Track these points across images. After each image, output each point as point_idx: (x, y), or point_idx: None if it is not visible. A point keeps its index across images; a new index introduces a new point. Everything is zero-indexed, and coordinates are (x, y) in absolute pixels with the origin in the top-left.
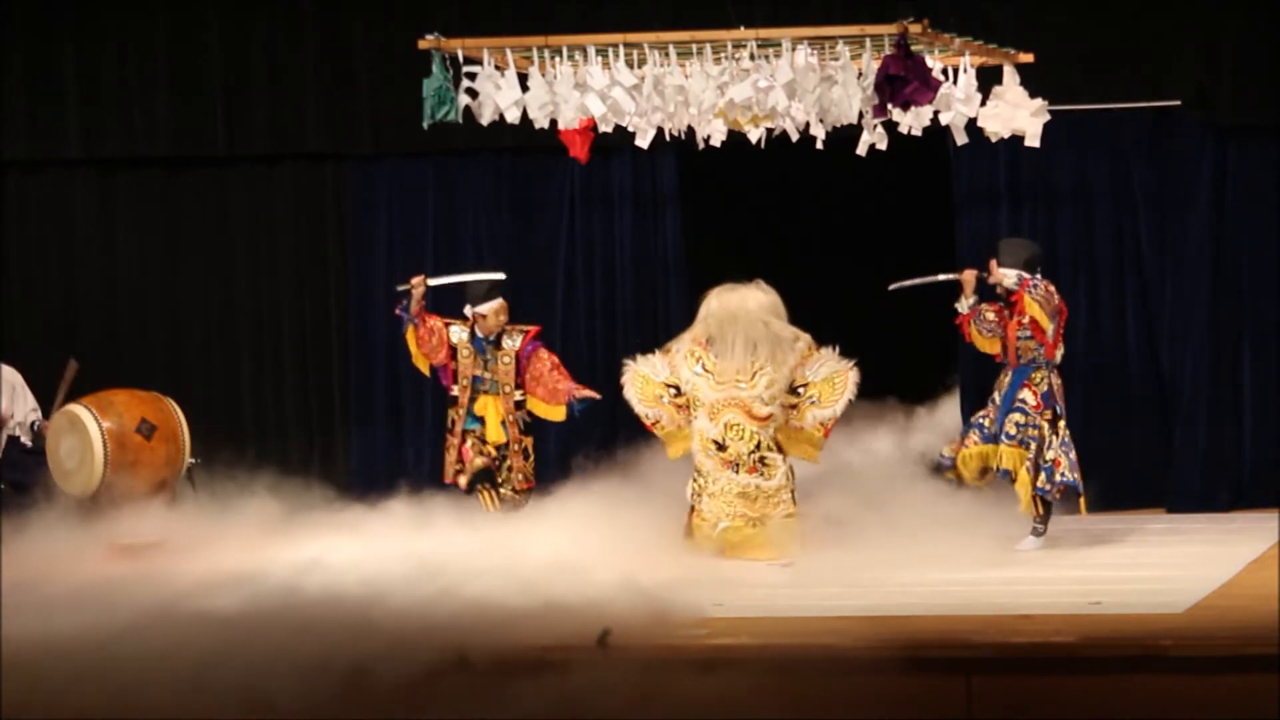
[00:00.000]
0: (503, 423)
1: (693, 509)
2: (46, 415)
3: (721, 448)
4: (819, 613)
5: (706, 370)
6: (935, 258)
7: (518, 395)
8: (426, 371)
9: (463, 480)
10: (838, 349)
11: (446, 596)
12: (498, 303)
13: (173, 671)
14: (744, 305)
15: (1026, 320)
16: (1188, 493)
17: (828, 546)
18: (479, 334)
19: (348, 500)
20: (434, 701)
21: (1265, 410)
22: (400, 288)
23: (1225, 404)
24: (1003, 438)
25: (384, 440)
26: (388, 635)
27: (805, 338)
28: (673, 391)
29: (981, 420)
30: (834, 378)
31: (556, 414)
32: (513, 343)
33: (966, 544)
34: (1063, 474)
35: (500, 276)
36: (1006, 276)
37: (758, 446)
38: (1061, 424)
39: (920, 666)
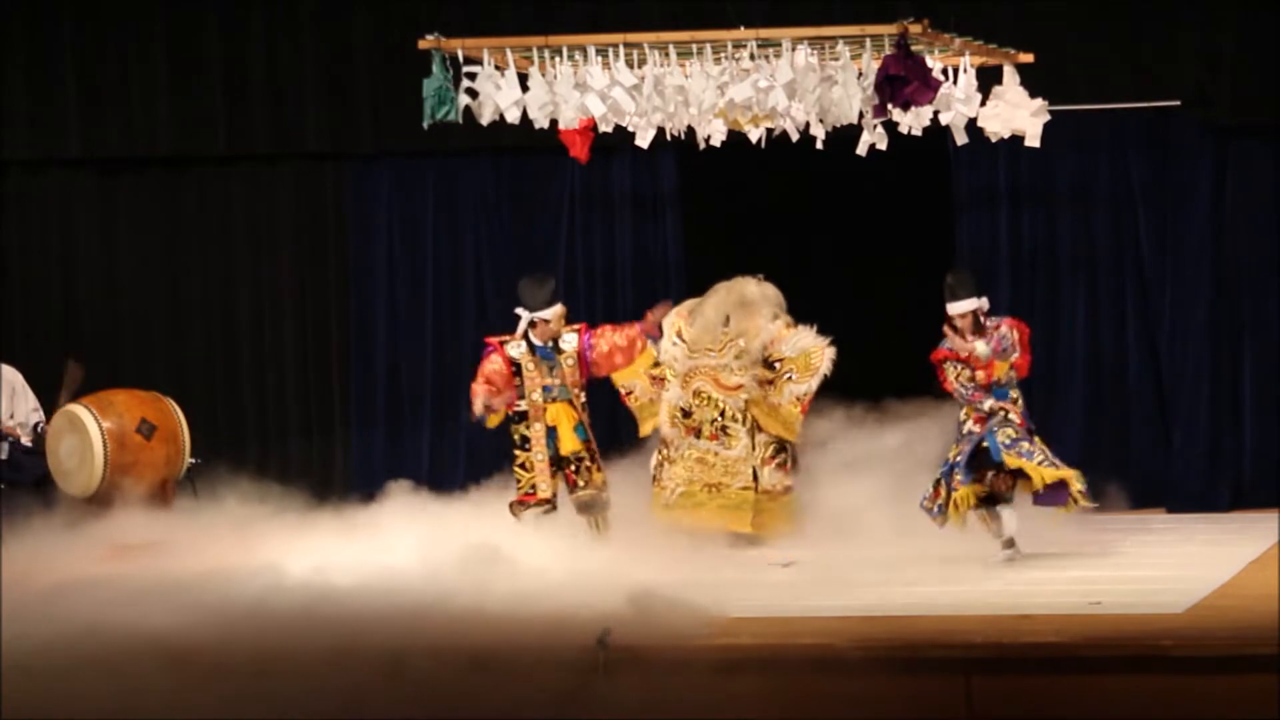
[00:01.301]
0: (577, 427)
1: (655, 480)
2: (49, 415)
3: (687, 414)
4: (819, 613)
5: (682, 340)
6: (935, 258)
7: (582, 397)
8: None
9: (519, 510)
10: (835, 347)
11: (445, 599)
12: (560, 307)
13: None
14: (730, 285)
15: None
16: (1188, 493)
17: (828, 546)
18: (536, 341)
19: (347, 501)
20: (436, 703)
21: (1265, 410)
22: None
23: (1225, 404)
24: (1001, 450)
25: (384, 440)
26: (391, 638)
27: (784, 317)
28: (651, 364)
29: (958, 460)
30: (810, 353)
31: (646, 360)
32: (570, 345)
33: (965, 544)
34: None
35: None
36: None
37: (721, 415)
38: (1037, 439)
39: (920, 666)
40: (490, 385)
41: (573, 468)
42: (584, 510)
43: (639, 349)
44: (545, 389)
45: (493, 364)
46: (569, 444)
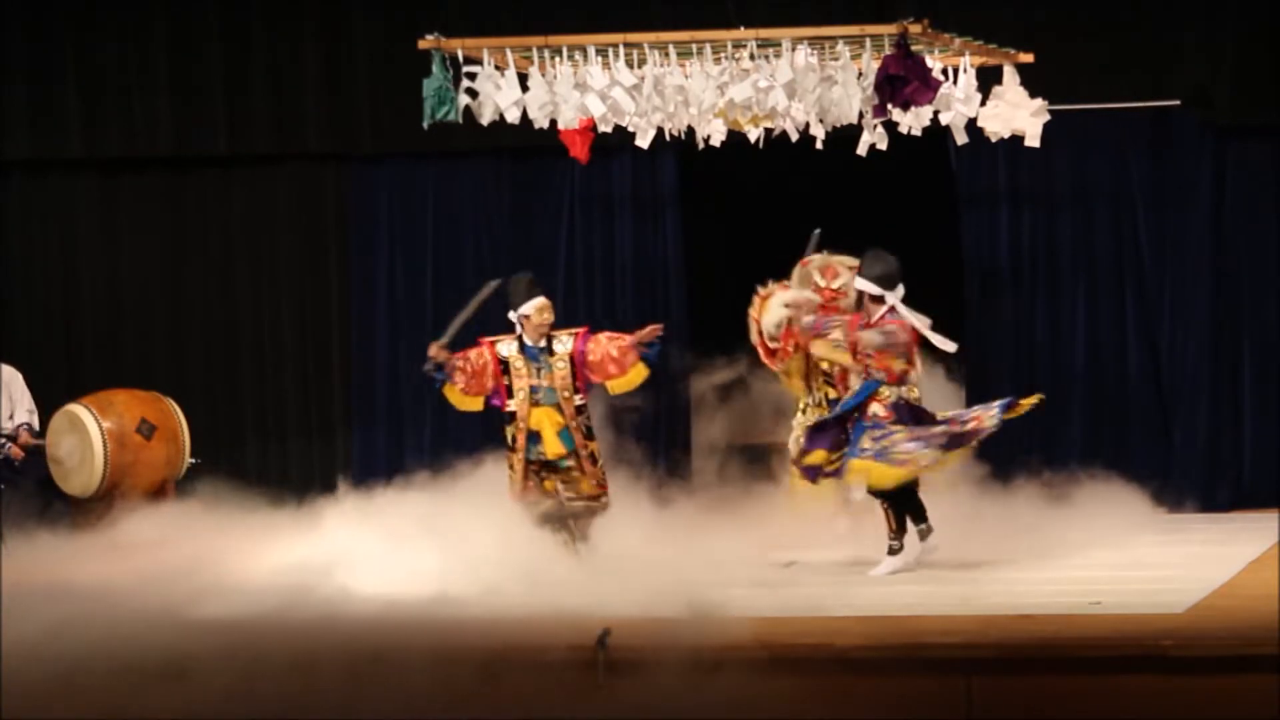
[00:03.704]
0: (561, 432)
1: None
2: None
3: None
4: (819, 613)
5: None
6: (936, 257)
7: (578, 400)
8: (480, 407)
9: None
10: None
11: (442, 598)
12: (540, 300)
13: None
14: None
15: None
16: (1188, 493)
17: (829, 546)
18: (528, 341)
19: (347, 501)
20: (432, 702)
21: (1265, 410)
22: (425, 368)
23: (1225, 404)
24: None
25: (384, 440)
26: (396, 637)
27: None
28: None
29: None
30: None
31: (639, 376)
32: (564, 347)
33: (966, 542)
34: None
35: (494, 284)
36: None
37: None
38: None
39: (920, 666)
40: (463, 361)
41: (560, 474)
42: (543, 522)
43: (630, 361)
44: (532, 389)
45: (475, 351)
46: (552, 449)
